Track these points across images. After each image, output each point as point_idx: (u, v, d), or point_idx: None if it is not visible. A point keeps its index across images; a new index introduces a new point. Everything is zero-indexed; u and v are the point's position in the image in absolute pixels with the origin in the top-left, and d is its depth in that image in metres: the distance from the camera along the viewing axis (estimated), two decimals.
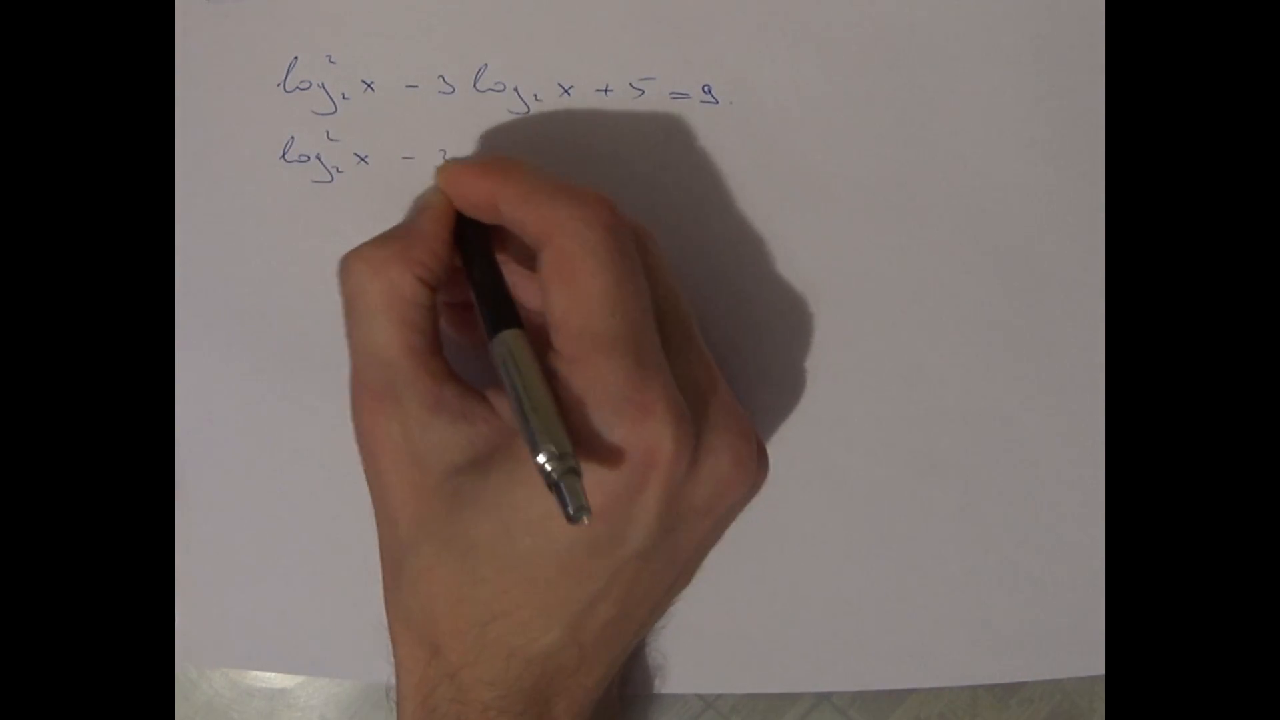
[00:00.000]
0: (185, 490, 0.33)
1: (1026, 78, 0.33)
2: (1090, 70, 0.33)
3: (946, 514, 0.34)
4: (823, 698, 0.35)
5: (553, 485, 0.23)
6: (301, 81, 0.33)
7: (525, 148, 0.33)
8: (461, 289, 0.29)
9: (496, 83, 0.33)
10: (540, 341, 0.26)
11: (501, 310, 0.27)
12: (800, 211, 0.33)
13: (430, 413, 0.27)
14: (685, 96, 0.33)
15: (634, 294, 0.26)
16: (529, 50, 0.33)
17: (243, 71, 0.33)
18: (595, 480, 0.24)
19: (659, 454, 0.25)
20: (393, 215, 0.33)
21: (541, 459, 0.23)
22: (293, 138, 0.33)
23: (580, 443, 0.25)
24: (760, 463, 0.28)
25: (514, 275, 0.29)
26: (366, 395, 0.28)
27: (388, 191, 0.33)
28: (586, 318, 0.26)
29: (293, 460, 0.33)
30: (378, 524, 0.28)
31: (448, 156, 0.33)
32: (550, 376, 0.26)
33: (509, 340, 0.26)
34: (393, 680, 0.29)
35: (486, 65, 0.33)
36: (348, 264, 0.28)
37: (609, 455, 0.25)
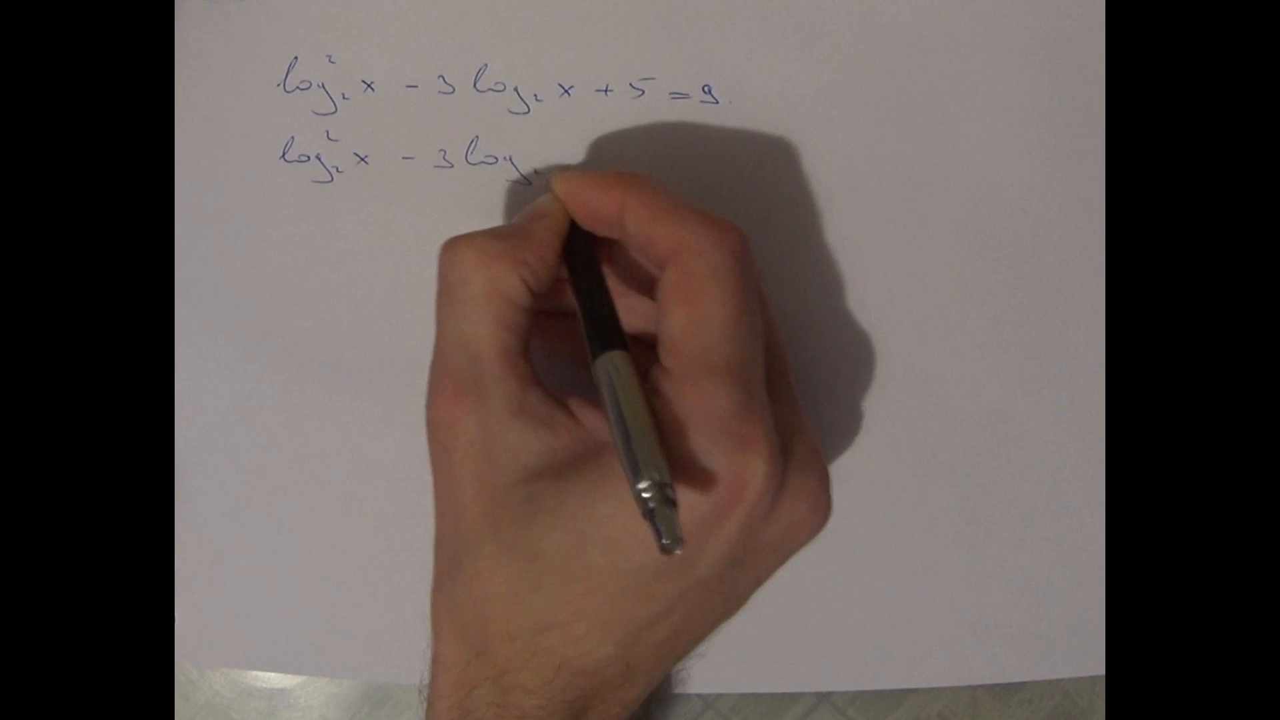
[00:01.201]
0: (185, 490, 0.33)
1: (1026, 78, 0.33)
2: (1090, 70, 0.33)
3: (946, 514, 0.34)
4: (823, 698, 0.35)
5: (648, 514, 0.23)
6: (301, 81, 0.33)
7: (525, 147, 0.33)
8: (554, 300, 0.29)
9: (496, 83, 0.33)
10: (640, 355, 0.26)
11: (609, 329, 0.27)
12: (800, 211, 0.33)
13: (513, 415, 0.27)
14: (685, 96, 0.33)
15: (752, 325, 0.26)
16: (529, 50, 0.33)
17: (243, 71, 0.33)
18: (682, 504, 0.24)
19: (749, 488, 0.25)
20: (393, 215, 0.33)
21: (642, 486, 0.23)
22: (293, 138, 0.33)
23: (673, 464, 0.24)
24: (829, 507, 0.28)
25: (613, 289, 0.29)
26: (449, 385, 0.27)
27: (388, 191, 0.33)
28: (704, 341, 0.26)
29: (293, 460, 0.33)
30: (438, 516, 0.28)
31: (448, 156, 0.33)
32: (653, 393, 0.26)
33: (615, 361, 0.26)
34: (426, 678, 0.28)
35: (486, 65, 0.33)
36: (455, 250, 0.28)
37: (700, 480, 0.25)
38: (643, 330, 0.29)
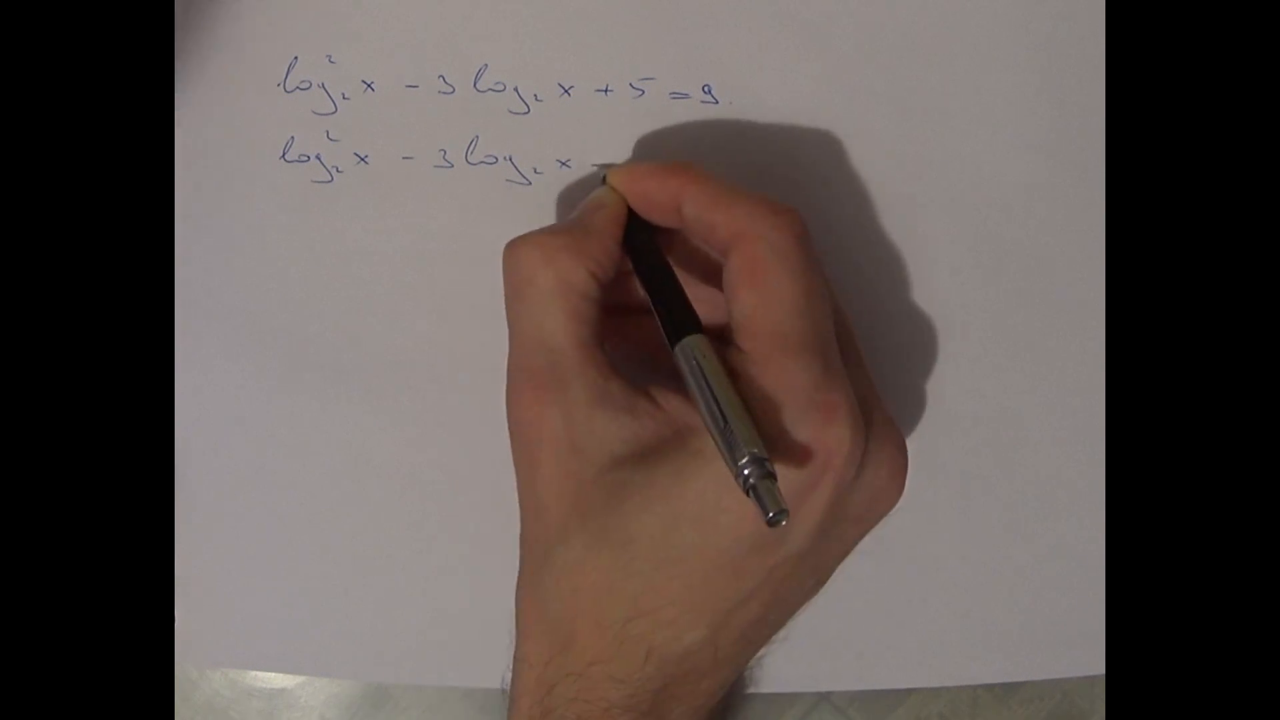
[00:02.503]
0: (185, 490, 0.33)
1: (1026, 78, 0.33)
2: (1090, 70, 0.33)
3: (946, 514, 0.34)
4: (823, 698, 0.35)
5: (750, 489, 0.24)
6: (301, 81, 0.33)
7: (525, 147, 0.33)
8: (617, 295, 0.29)
9: (496, 83, 0.33)
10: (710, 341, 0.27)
11: (684, 313, 0.27)
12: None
13: (595, 404, 0.27)
14: (685, 96, 0.33)
15: (821, 301, 0.27)
16: (529, 50, 0.33)
17: (243, 71, 0.33)
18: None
19: (836, 456, 0.26)
20: (393, 215, 0.33)
21: (742, 462, 0.24)
22: (293, 138, 0.33)
23: (764, 441, 0.25)
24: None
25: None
26: (529, 382, 0.27)
27: (388, 191, 0.33)
28: (778, 320, 0.26)
29: (293, 460, 0.33)
30: (523, 513, 0.28)
31: (448, 156, 0.33)
32: (734, 376, 0.26)
33: (697, 344, 0.26)
34: (508, 677, 0.29)
35: (486, 65, 0.33)
36: (518, 250, 0.28)
37: (788, 454, 0.26)
38: (708, 317, 0.29)
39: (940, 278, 0.33)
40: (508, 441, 0.33)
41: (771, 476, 0.24)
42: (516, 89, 0.33)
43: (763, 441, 0.24)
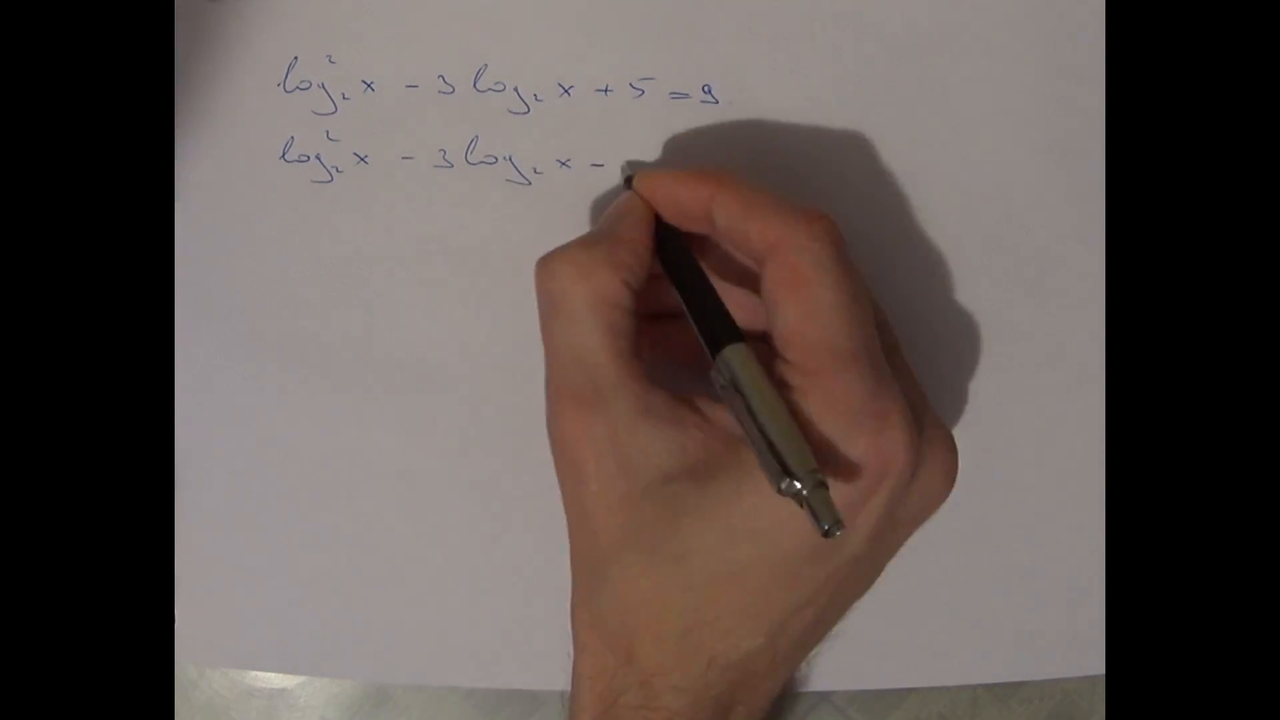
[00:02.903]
0: (185, 490, 0.33)
1: (1026, 78, 0.33)
2: (1090, 70, 0.33)
3: (946, 514, 0.34)
4: (823, 697, 0.35)
5: (803, 501, 0.24)
6: (301, 81, 0.33)
7: (525, 147, 0.33)
8: (649, 302, 0.29)
9: (496, 83, 0.33)
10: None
11: (725, 323, 0.27)
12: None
13: (639, 418, 0.27)
14: (685, 96, 0.33)
15: (864, 308, 0.27)
16: (529, 50, 0.33)
17: (243, 71, 0.33)
18: (832, 489, 0.24)
19: (892, 464, 0.26)
20: (393, 215, 0.33)
21: (794, 475, 0.24)
22: (293, 138, 0.33)
23: (817, 452, 0.25)
24: None
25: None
26: (569, 400, 0.27)
27: (388, 191, 0.33)
28: (823, 330, 0.26)
29: (293, 460, 0.33)
30: (572, 531, 0.28)
31: (448, 156, 0.33)
32: (782, 387, 0.26)
33: (740, 354, 0.26)
34: (567, 691, 0.29)
35: (486, 65, 0.33)
36: (551, 265, 0.28)
37: (843, 464, 0.25)
38: (743, 320, 0.29)
39: (940, 277, 0.33)
40: (507, 441, 0.33)
41: (823, 486, 0.24)
42: (516, 89, 0.33)
43: (813, 452, 0.24)
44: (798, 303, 0.26)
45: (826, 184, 0.33)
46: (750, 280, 0.29)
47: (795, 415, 0.25)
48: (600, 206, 0.33)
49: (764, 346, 0.27)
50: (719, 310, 0.27)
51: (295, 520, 0.34)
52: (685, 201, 0.28)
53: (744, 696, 0.28)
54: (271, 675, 0.35)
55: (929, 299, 0.33)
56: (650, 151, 0.33)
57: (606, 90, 0.33)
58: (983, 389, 0.34)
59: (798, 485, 0.24)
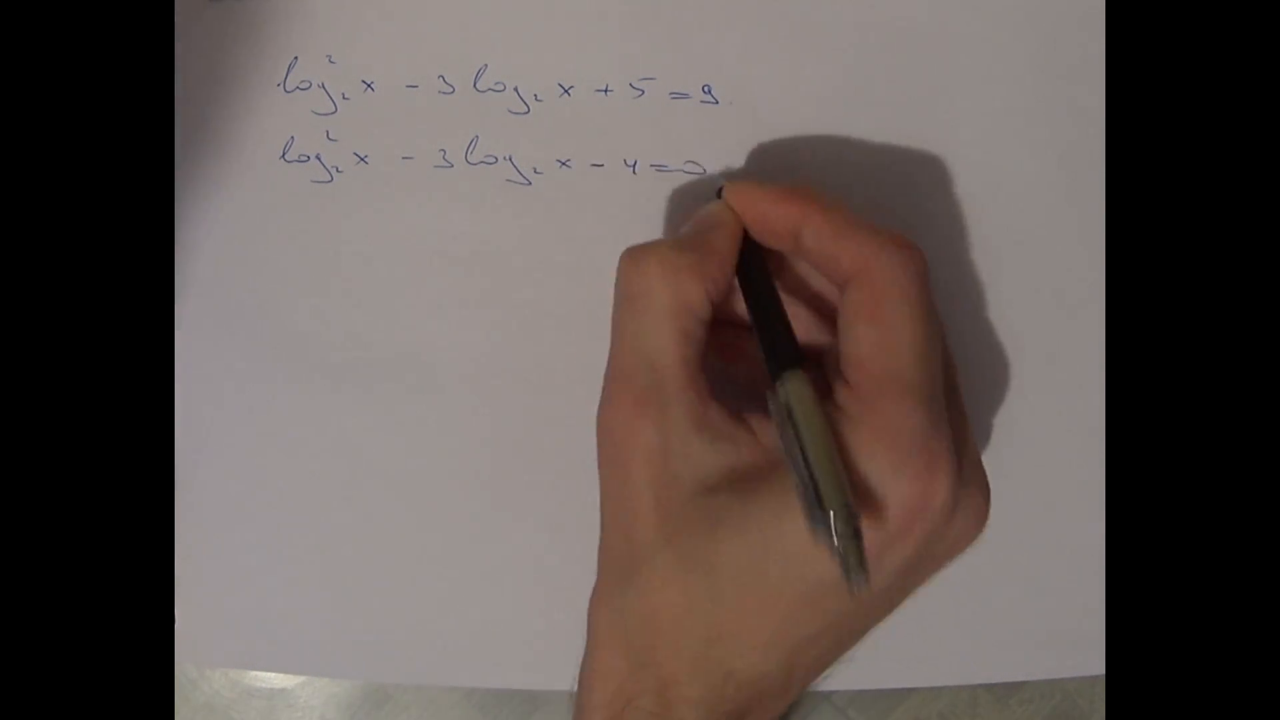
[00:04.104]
0: (185, 490, 0.33)
1: (1026, 77, 0.33)
2: (1090, 70, 0.33)
3: None
4: (823, 698, 0.35)
5: (834, 546, 0.24)
6: (301, 81, 0.33)
7: (525, 147, 0.33)
8: (719, 308, 0.29)
9: (496, 83, 0.33)
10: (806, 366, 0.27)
11: (788, 348, 0.27)
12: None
13: (694, 429, 0.27)
14: (685, 96, 0.33)
15: (936, 345, 0.27)
16: (529, 50, 0.33)
17: (243, 71, 0.33)
18: (866, 522, 0.25)
19: (931, 506, 0.26)
20: (393, 215, 0.33)
21: (829, 519, 0.24)
22: (293, 138, 0.33)
23: (858, 483, 0.25)
24: None
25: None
26: (629, 397, 0.27)
27: (388, 191, 0.33)
28: (894, 361, 0.26)
29: (293, 460, 0.33)
30: (606, 526, 0.28)
31: (448, 156, 0.33)
32: (836, 410, 0.26)
33: (798, 382, 0.26)
34: (574, 686, 0.29)
35: (486, 65, 0.33)
36: (641, 260, 0.28)
37: (884, 500, 0.25)
38: (803, 337, 0.29)
39: (940, 277, 0.33)
40: (507, 440, 0.33)
41: (858, 535, 0.24)
42: (516, 89, 0.33)
43: (854, 482, 0.24)
44: (874, 330, 0.26)
45: (826, 184, 0.33)
46: (817, 300, 0.29)
47: (844, 443, 0.25)
48: (600, 206, 0.33)
49: (820, 365, 0.28)
50: (786, 334, 0.27)
51: (295, 520, 0.34)
52: (775, 219, 0.28)
53: (753, 715, 0.28)
54: (271, 675, 0.35)
55: None
56: (650, 152, 0.33)
57: (606, 90, 0.33)
58: (983, 389, 0.33)
59: (831, 529, 0.24)
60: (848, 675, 0.34)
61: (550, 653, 0.33)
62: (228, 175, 0.33)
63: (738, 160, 0.33)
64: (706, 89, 0.33)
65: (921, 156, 0.33)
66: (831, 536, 0.24)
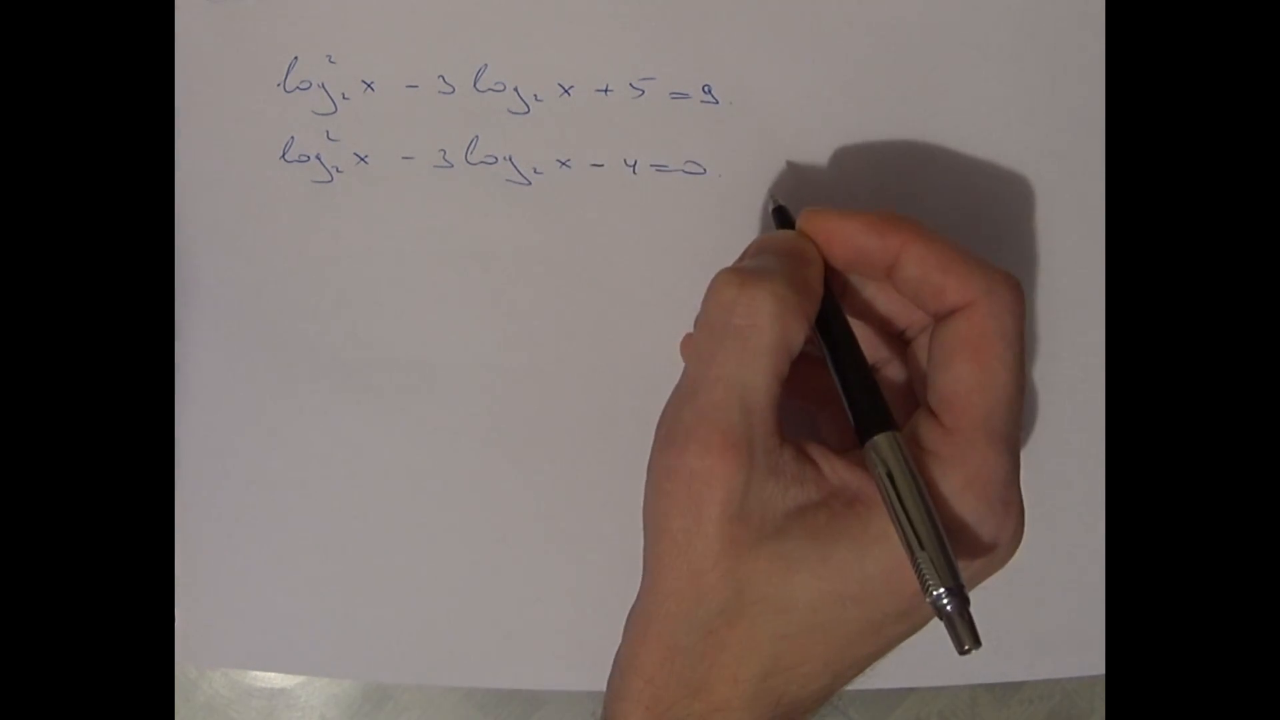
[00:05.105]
0: (185, 490, 0.33)
1: (1026, 78, 0.33)
2: (1090, 70, 0.33)
3: None
4: None
5: (946, 618, 0.24)
6: (301, 81, 0.33)
7: (525, 147, 0.33)
8: None
9: (496, 83, 0.33)
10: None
11: (880, 407, 0.27)
12: (799, 212, 0.33)
13: (771, 473, 0.26)
14: (685, 96, 0.33)
15: (1023, 389, 0.27)
16: (529, 50, 0.33)
17: (243, 71, 0.33)
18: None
19: (1000, 550, 0.27)
20: (393, 215, 0.33)
21: (939, 592, 0.24)
22: (293, 138, 0.33)
23: (951, 530, 0.25)
24: None
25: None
26: (718, 435, 0.26)
27: (388, 191, 0.33)
28: (991, 404, 0.26)
29: (293, 460, 0.33)
30: (665, 560, 0.27)
31: (448, 156, 0.33)
32: (925, 454, 0.26)
33: (891, 446, 0.26)
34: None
35: (486, 65, 0.33)
36: (752, 292, 0.26)
37: (969, 546, 0.26)
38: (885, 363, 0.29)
39: None
40: (507, 440, 0.33)
41: (966, 602, 0.24)
42: (516, 89, 0.33)
43: (958, 568, 0.25)
44: (976, 369, 0.26)
45: (826, 183, 0.33)
46: (883, 322, 0.29)
47: (933, 484, 0.26)
48: (600, 206, 0.33)
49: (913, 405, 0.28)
50: (877, 392, 0.27)
51: (295, 520, 0.34)
52: (873, 250, 0.27)
53: None
54: (271, 675, 0.35)
55: None
56: (650, 152, 0.33)
57: (606, 90, 0.33)
58: None
59: (945, 603, 0.24)
60: None
61: (550, 653, 0.33)
62: (228, 175, 0.33)
63: (738, 160, 0.33)
64: (706, 89, 0.33)
65: (922, 156, 0.33)
66: (944, 609, 0.24)
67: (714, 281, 0.27)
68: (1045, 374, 0.34)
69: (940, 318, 0.27)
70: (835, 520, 0.26)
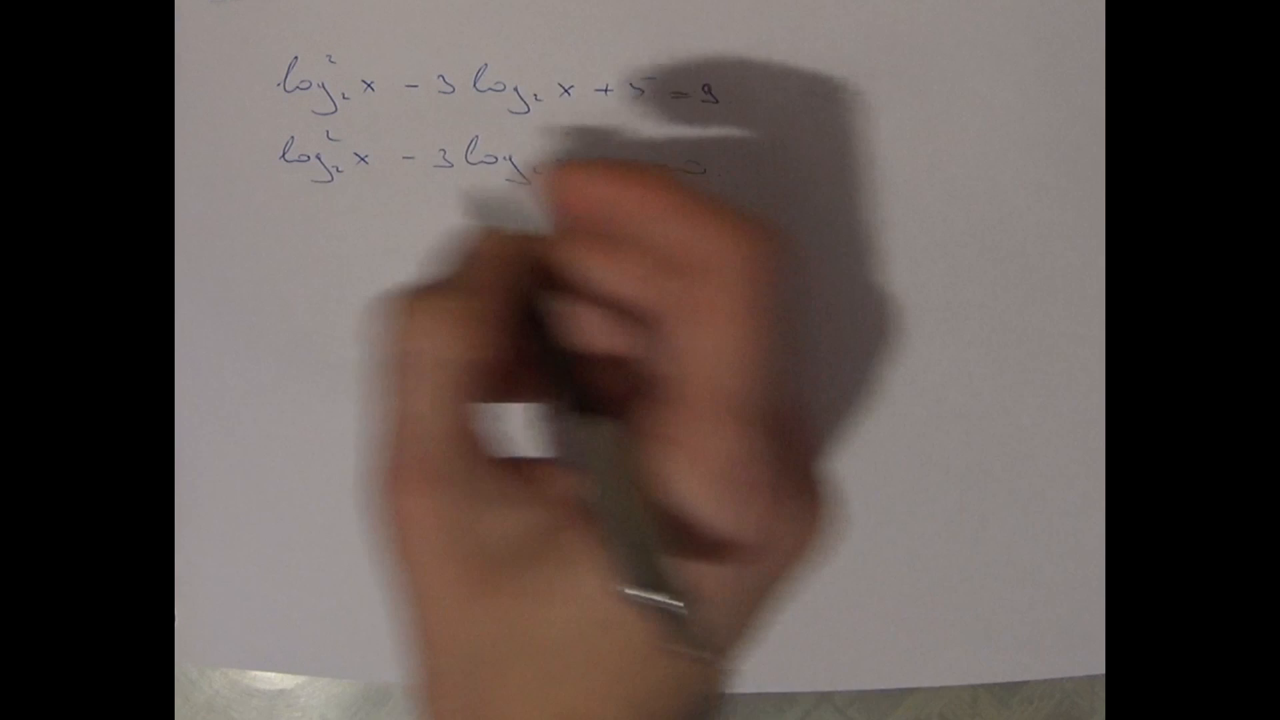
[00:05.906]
0: (185, 489, 0.33)
1: (1026, 78, 0.33)
2: (1090, 70, 0.33)
3: (946, 514, 0.34)
4: (823, 698, 0.35)
5: (672, 649, 0.22)
6: (301, 81, 0.33)
7: (525, 147, 0.33)
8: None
9: (496, 83, 0.33)
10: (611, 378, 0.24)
11: (570, 394, 0.24)
12: (800, 211, 0.33)
13: (484, 500, 0.24)
14: (685, 96, 0.33)
15: (770, 354, 0.23)
16: (529, 50, 0.33)
17: (243, 71, 0.33)
18: (683, 557, 0.23)
19: (745, 534, 0.23)
20: (393, 215, 0.33)
21: (631, 593, 0.22)
22: (293, 138, 0.33)
23: (674, 513, 0.23)
24: None
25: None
26: (412, 474, 0.24)
27: (388, 191, 0.33)
28: (721, 372, 0.23)
29: (293, 460, 0.33)
30: (413, 625, 0.25)
31: (448, 156, 0.33)
32: (654, 435, 0.23)
33: (608, 439, 0.23)
34: None
35: (486, 65, 0.33)
36: (416, 314, 0.24)
37: (701, 532, 0.23)
38: (609, 349, 0.26)
39: (940, 277, 0.33)
40: (505, 438, 0.33)
41: (677, 605, 0.22)
42: (516, 89, 0.33)
43: (669, 520, 0.22)
44: (702, 333, 0.23)
45: (826, 183, 0.33)
46: (628, 302, 0.25)
47: (657, 469, 0.23)
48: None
49: (624, 377, 0.25)
50: (565, 379, 0.24)
51: (295, 520, 0.34)
52: (599, 198, 0.24)
53: None
54: (271, 675, 0.35)
55: (928, 299, 0.33)
56: (650, 151, 0.33)
57: (606, 90, 0.33)
58: (983, 388, 0.34)
59: (638, 597, 0.21)
60: (848, 675, 0.34)
61: None
62: (228, 175, 0.33)
63: (738, 160, 0.33)
64: (706, 89, 0.33)
65: (921, 156, 0.33)
66: (667, 632, 0.22)
67: (385, 309, 0.24)
68: (1045, 372, 0.34)
69: (664, 281, 0.23)
70: (561, 543, 0.23)
